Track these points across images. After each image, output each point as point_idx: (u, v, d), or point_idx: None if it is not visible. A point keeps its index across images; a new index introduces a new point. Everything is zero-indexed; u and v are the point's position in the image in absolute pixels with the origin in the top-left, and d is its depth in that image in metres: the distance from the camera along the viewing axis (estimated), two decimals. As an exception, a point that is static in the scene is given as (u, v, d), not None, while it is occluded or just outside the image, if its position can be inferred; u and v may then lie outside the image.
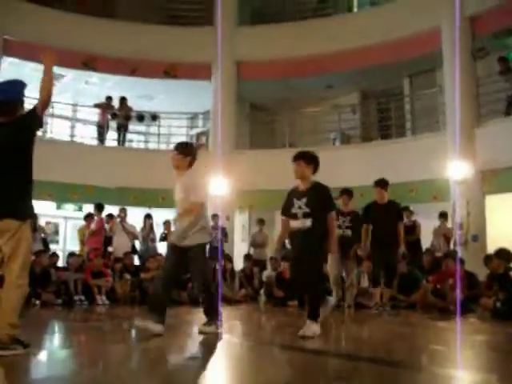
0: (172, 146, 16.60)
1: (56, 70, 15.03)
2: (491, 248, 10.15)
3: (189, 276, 10.45)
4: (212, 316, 5.51)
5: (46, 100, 4.04)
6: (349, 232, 8.50)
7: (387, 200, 8.00)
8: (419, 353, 4.53)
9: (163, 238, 12.24)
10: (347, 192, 8.89)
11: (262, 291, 11.50)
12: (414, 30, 12.61)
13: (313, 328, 5.06)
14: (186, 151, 5.61)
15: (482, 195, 11.40)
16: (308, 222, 5.31)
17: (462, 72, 11.55)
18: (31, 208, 4.04)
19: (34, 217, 4.09)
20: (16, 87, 4.15)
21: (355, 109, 15.30)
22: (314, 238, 5.22)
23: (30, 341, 3.99)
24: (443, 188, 11.56)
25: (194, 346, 5.07)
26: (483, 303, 7.75)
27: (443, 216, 10.81)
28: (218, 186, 13.27)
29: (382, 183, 7.99)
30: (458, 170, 11.14)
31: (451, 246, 10.58)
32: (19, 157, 3.96)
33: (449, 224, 10.95)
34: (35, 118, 4.06)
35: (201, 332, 5.35)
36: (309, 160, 5.80)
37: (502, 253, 7.67)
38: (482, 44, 12.35)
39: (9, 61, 13.84)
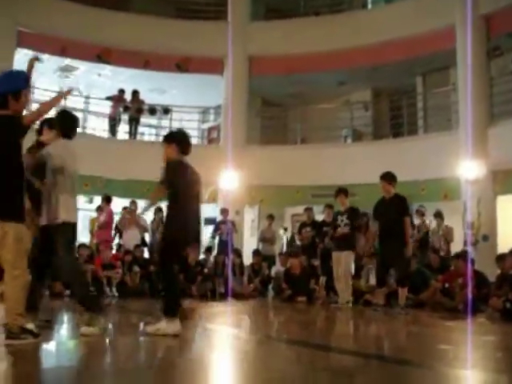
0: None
1: (69, 62, 15.15)
2: (502, 248, 10.10)
3: (198, 270, 10.55)
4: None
5: (40, 115, 4.10)
6: (346, 229, 8.59)
7: (393, 194, 7.82)
8: (428, 352, 4.52)
9: None
10: (343, 191, 8.94)
11: (270, 286, 11.53)
12: (429, 28, 12.51)
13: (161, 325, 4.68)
14: (168, 139, 5.23)
15: (493, 195, 11.32)
16: None
17: (476, 71, 11.50)
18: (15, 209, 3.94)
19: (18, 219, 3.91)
20: (6, 81, 4.04)
21: (367, 106, 15.24)
22: None
23: (39, 331, 4.02)
24: (454, 187, 11.50)
25: (202, 340, 5.09)
26: (492, 303, 7.70)
27: (439, 216, 10.62)
28: (228, 180, 13.30)
29: (386, 177, 7.87)
30: (469, 169, 11.07)
31: (451, 246, 10.46)
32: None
33: (451, 223, 10.80)
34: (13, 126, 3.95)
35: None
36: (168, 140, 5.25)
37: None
38: (497, 43, 12.25)
39: (23, 52, 13.90)
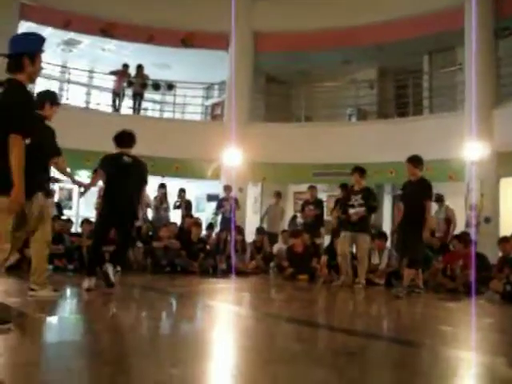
0: (187, 116, 16.60)
1: (73, 35, 15.02)
2: (503, 230, 10.12)
3: (200, 246, 10.59)
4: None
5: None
6: (361, 210, 8.50)
7: (420, 178, 7.64)
8: (428, 332, 4.56)
9: (177, 207, 12.35)
10: (359, 170, 8.85)
11: (272, 264, 11.58)
12: (436, 7, 12.36)
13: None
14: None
15: (496, 177, 11.28)
16: None
17: (483, 51, 11.38)
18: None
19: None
20: (23, 41, 3.84)
21: (373, 84, 15.13)
22: None
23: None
24: (459, 168, 11.47)
25: (202, 316, 5.13)
26: (493, 286, 7.73)
27: (440, 200, 10.56)
28: (231, 157, 13.27)
29: (411, 159, 7.68)
30: (474, 150, 11.02)
31: (455, 228, 10.43)
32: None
33: (455, 205, 10.77)
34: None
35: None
36: None
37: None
38: (506, 23, 12.09)
39: (26, 25, 13.78)
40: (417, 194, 7.44)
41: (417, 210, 7.36)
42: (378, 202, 9.49)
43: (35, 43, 3.86)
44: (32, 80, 3.85)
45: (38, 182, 4.19)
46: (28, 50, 3.74)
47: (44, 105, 5.08)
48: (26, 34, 4.13)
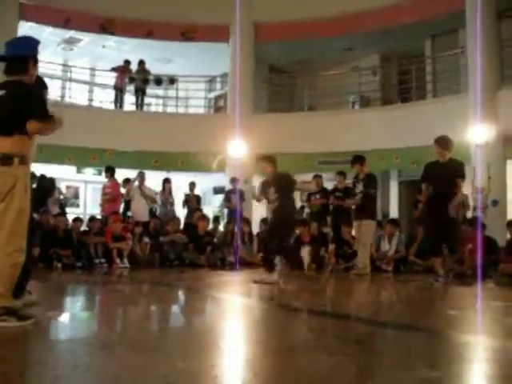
0: (190, 110, 16.53)
1: (73, 33, 15.02)
2: (511, 213, 10.07)
3: (207, 240, 10.60)
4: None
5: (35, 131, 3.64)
6: (350, 201, 8.64)
7: (449, 158, 7.43)
8: (437, 317, 4.54)
9: (186, 201, 12.33)
10: (359, 159, 8.83)
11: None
12: (437, -11, 12.29)
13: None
14: None
15: (503, 159, 11.22)
16: None
17: (486, 33, 11.28)
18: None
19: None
20: (25, 44, 3.88)
21: (376, 71, 15.05)
22: None
23: (35, 312, 3.92)
24: (464, 151, 11.37)
25: (211, 309, 5.14)
26: (502, 269, 7.71)
27: None
28: (236, 149, 13.26)
29: (438, 141, 7.48)
30: (479, 133, 10.95)
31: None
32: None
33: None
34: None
35: None
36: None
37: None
38: (508, 4, 11.97)
39: (26, 26, 13.78)
40: (447, 175, 7.20)
41: (447, 190, 7.15)
42: (381, 187, 9.42)
43: (36, 47, 3.90)
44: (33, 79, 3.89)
45: None
46: (33, 53, 3.81)
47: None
48: (26, 38, 4.11)
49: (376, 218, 9.12)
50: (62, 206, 11.42)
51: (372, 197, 8.76)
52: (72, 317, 4.45)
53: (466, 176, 7.59)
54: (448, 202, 7.06)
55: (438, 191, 7.25)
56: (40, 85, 4.73)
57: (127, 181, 11.75)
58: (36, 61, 3.83)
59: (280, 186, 7.20)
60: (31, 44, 3.87)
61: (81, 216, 12.07)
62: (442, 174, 7.25)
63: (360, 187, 8.58)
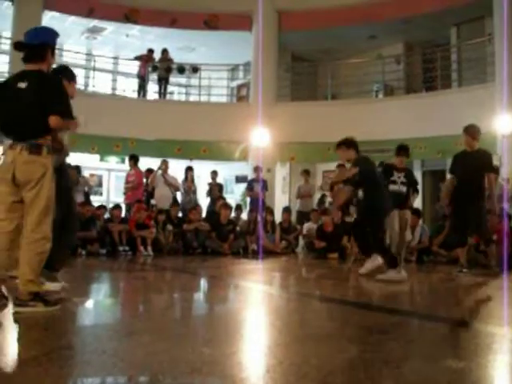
0: (213, 99, 16.52)
1: (96, 23, 15.09)
2: (538, 204, 9.89)
3: (230, 228, 10.64)
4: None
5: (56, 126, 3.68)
6: (404, 188, 8.32)
7: (477, 149, 7.32)
8: (462, 308, 4.51)
9: (210, 190, 12.41)
10: (405, 149, 8.63)
11: (301, 243, 11.61)
12: (464, -24, 12.07)
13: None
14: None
15: (530, 149, 11.04)
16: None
17: (513, 20, 11.08)
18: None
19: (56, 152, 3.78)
20: (45, 33, 3.91)
21: (399, 59, 14.88)
22: None
23: (68, 295, 4.04)
24: (490, 141, 11.19)
25: (234, 297, 5.17)
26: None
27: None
28: (258, 138, 13.25)
29: (467, 130, 7.35)
30: (505, 123, 10.78)
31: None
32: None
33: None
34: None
35: None
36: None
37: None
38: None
39: (50, 15, 13.89)
40: (475, 165, 7.10)
41: (476, 182, 7.08)
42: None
43: (55, 37, 3.93)
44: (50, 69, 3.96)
45: None
46: (51, 42, 3.85)
47: None
48: (45, 28, 4.14)
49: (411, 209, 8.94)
50: (87, 195, 11.54)
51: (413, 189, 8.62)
52: (97, 303, 4.51)
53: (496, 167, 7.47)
54: (477, 193, 7.03)
55: (465, 181, 7.15)
56: (68, 75, 4.73)
57: (150, 171, 11.84)
58: (54, 51, 3.88)
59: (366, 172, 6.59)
60: (50, 34, 3.91)
61: (104, 204, 12.20)
62: (470, 164, 7.13)
63: (402, 177, 8.32)
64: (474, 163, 7.12)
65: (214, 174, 12.64)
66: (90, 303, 4.39)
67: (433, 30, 14.02)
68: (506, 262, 7.30)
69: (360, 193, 6.66)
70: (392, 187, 8.22)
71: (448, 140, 11.51)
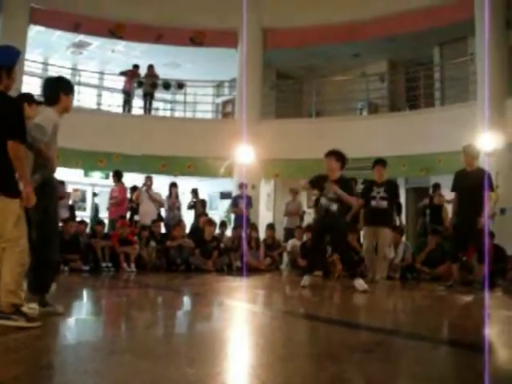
0: (198, 115, 16.56)
1: (82, 38, 15.10)
2: (520, 222, 10.01)
3: (214, 245, 10.61)
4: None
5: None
6: (384, 203, 8.38)
7: (476, 167, 7.59)
8: (444, 327, 4.52)
9: (192, 206, 12.44)
10: (382, 162, 8.75)
11: (285, 260, 11.61)
12: (446, -3, 12.27)
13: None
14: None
15: (511, 168, 11.16)
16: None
17: (495, 41, 11.25)
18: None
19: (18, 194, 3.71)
20: (2, 53, 3.83)
21: (383, 77, 15.05)
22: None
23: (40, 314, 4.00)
24: (472, 159, 11.34)
25: (218, 315, 5.13)
26: (510, 277, 7.66)
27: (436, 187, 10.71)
28: (243, 154, 13.27)
29: (466, 150, 7.66)
30: (487, 141, 10.90)
31: None
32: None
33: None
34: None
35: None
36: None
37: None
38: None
39: (36, 29, 13.87)
40: (474, 183, 7.27)
41: (476, 200, 7.24)
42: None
43: (11, 57, 3.88)
44: (9, 90, 3.88)
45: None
46: (5, 63, 3.78)
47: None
48: (3, 47, 4.02)
49: (392, 226, 9.04)
50: (73, 209, 11.48)
51: (396, 204, 8.79)
52: (79, 321, 4.45)
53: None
54: (476, 210, 7.23)
55: (467, 200, 7.40)
56: (66, 87, 4.49)
57: (135, 188, 11.83)
58: (10, 71, 3.77)
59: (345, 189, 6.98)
60: (6, 54, 3.85)
61: (86, 219, 12.12)
62: (469, 183, 7.38)
63: (381, 192, 8.43)
64: (473, 182, 7.32)
65: (194, 192, 12.71)
66: (71, 321, 4.33)
67: (416, 49, 14.21)
68: (487, 279, 7.35)
69: (334, 206, 6.83)
70: (372, 203, 8.32)
71: (431, 158, 11.64)
